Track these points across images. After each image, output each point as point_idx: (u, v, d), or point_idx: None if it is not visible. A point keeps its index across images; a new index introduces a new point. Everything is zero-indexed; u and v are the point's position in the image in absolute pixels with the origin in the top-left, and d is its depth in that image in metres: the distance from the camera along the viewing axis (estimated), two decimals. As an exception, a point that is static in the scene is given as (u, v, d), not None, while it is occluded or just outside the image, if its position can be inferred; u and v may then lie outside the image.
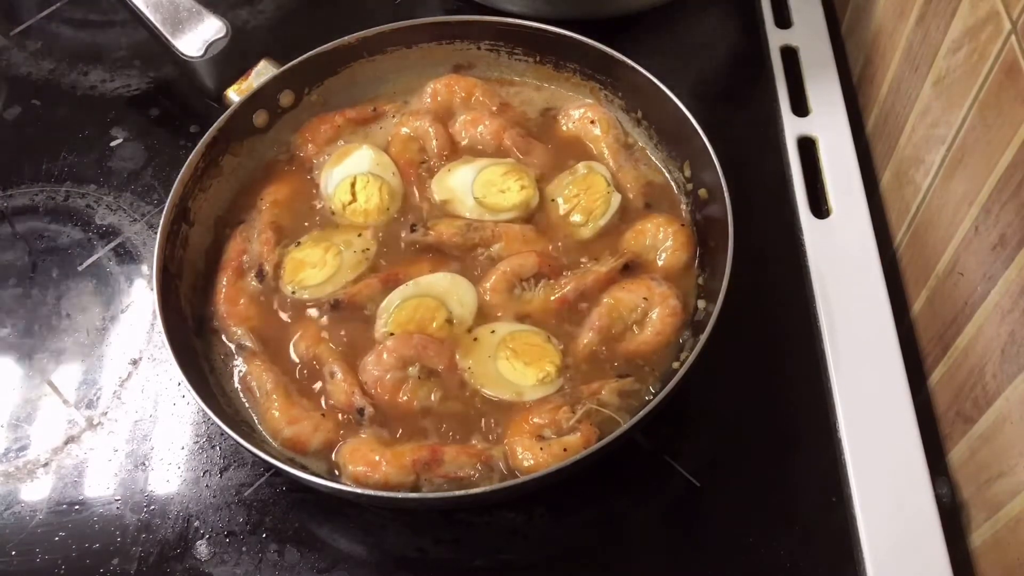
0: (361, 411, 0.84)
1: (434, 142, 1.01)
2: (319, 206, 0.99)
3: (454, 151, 1.02)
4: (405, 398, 0.85)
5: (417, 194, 0.99)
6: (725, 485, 0.86)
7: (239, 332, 0.89)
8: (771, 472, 0.88)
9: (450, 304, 0.90)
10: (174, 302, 0.88)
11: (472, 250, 0.94)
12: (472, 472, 0.81)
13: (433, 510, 0.86)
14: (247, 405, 0.86)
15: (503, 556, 0.84)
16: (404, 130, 1.03)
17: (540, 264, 0.92)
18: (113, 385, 0.95)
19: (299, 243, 0.95)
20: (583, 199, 0.96)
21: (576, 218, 0.96)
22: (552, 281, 0.91)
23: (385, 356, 0.86)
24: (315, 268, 0.93)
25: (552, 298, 0.90)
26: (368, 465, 0.80)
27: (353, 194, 0.97)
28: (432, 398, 0.86)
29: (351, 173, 0.98)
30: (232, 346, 0.89)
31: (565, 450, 0.80)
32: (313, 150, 1.02)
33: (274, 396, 0.85)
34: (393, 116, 1.05)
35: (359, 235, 0.95)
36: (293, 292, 0.92)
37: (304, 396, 0.86)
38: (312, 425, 0.84)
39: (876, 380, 0.90)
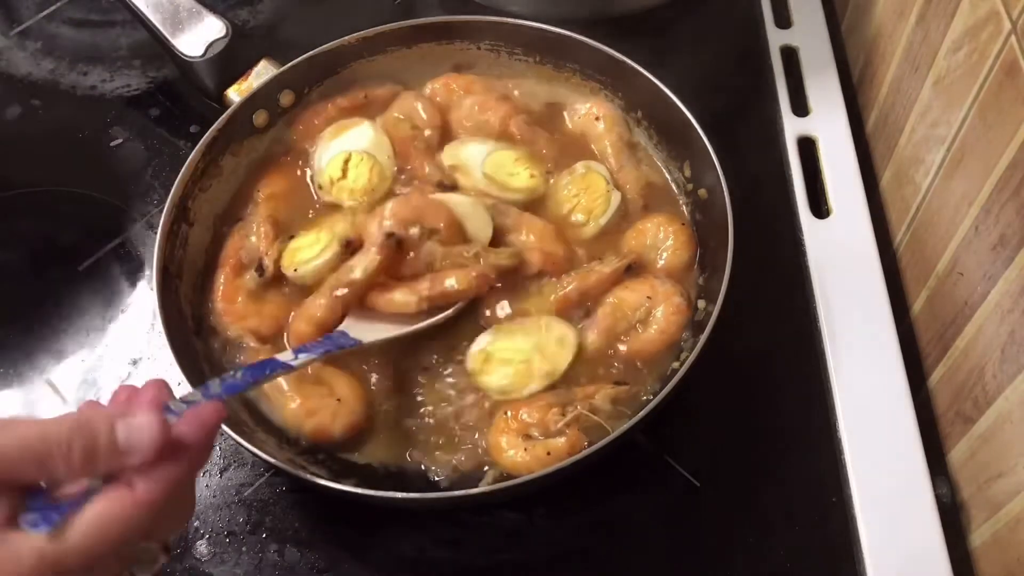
0: None
1: (423, 113, 1.01)
2: (316, 198, 0.98)
3: (446, 124, 1.02)
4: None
5: (420, 165, 0.99)
6: (725, 485, 0.86)
7: (238, 332, 0.89)
8: (771, 472, 0.88)
9: (467, 225, 0.91)
10: (174, 302, 0.88)
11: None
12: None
13: (433, 510, 0.86)
14: (257, 402, 0.86)
15: (503, 556, 0.84)
16: (396, 115, 1.03)
17: (543, 262, 0.91)
18: (113, 385, 0.94)
19: (292, 236, 0.94)
20: (583, 199, 0.96)
21: (577, 217, 0.96)
22: (554, 280, 0.91)
23: (386, 217, 0.87)
24: (311, 248, 0.92)
25: (553, 297, 0.90)
26: None
27: (344, 171, 0.97)
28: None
29: (347, 149, 0.98)
30: (233, 344, 0.89)
31: (548, 453, 0.80)
32: (308, 143, 1.02)
33: (287, 390, 0.85)
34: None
35: (351, 217, 0.95)
36: (295, 270, 0.91)
37: (318, 384, 0.86)
38: (331, 413, 0.84)
39: (876, 380, 0.90)
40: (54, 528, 0.50)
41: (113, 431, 0.51)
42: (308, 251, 0.92)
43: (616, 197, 0.96)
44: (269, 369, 0.73)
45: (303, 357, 0.76)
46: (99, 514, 0.51)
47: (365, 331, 0.84)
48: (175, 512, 0.58)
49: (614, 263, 0.91)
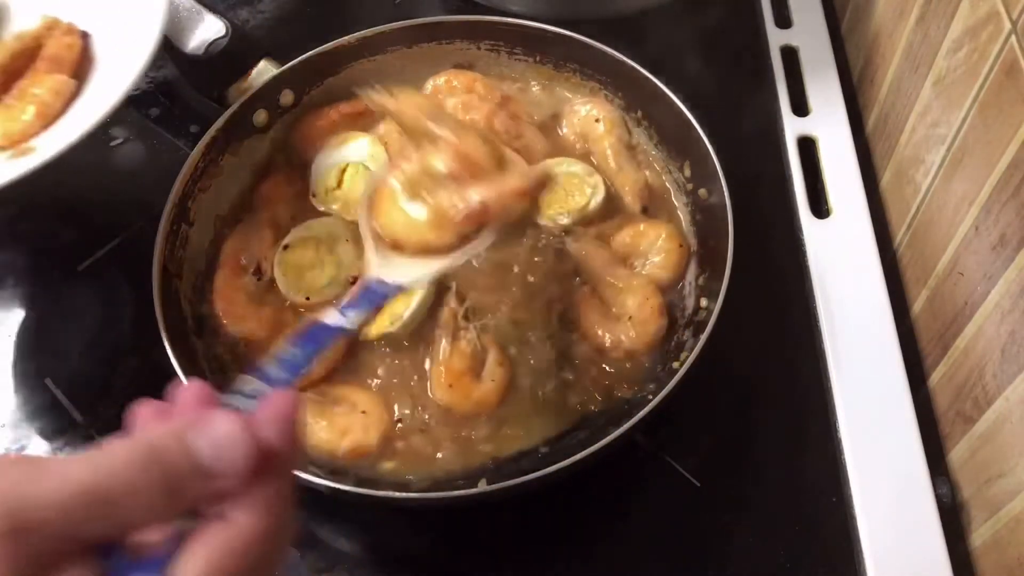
0: None
1: None
2: (315, 202, 0.98)
3: None
4: None
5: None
6: (725, 485, 0.86)
7: (236, 333, 0.89)
8: (771, 472, 0.88)
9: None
10: (174, 302, 0.88)
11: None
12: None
13: (433, 510, 0.86)
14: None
15: (503, 556, 0.84)
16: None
17: (454, 159, 0.73)
18: (113, 385, 0.94)
19: (287, 246, 0.93)
20: (561, 192, 0.96)
21: (556, 212, 0.95)
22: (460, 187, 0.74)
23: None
24: (315, 269, 0.92)
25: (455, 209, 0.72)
26: None
27: (340, 181, 0.98)
28: None
29: (345, 160, 0.99)
30: (232, 345, 0.89)
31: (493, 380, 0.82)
32: (308, 147, 1.02)
33: (310, 417, 0.83)
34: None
35: (335, 220, 0.96)
36: (308, 298, 0.91)
37: (337, 403, 0.85)
38: (363, 427, 0.83)
39: (876, 380, 0.90)
40: None
41: (190, 451, 0.40)
42: (315, 275, 0.92)
43: (598, 191, 0.96)
44: (325, 335, 0.60)
45: (353, 314, 0.64)
46: (207, 563, 0.39)
47: (399, 274, 0.72)
48: (282, 539, 0.44)
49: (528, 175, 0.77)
